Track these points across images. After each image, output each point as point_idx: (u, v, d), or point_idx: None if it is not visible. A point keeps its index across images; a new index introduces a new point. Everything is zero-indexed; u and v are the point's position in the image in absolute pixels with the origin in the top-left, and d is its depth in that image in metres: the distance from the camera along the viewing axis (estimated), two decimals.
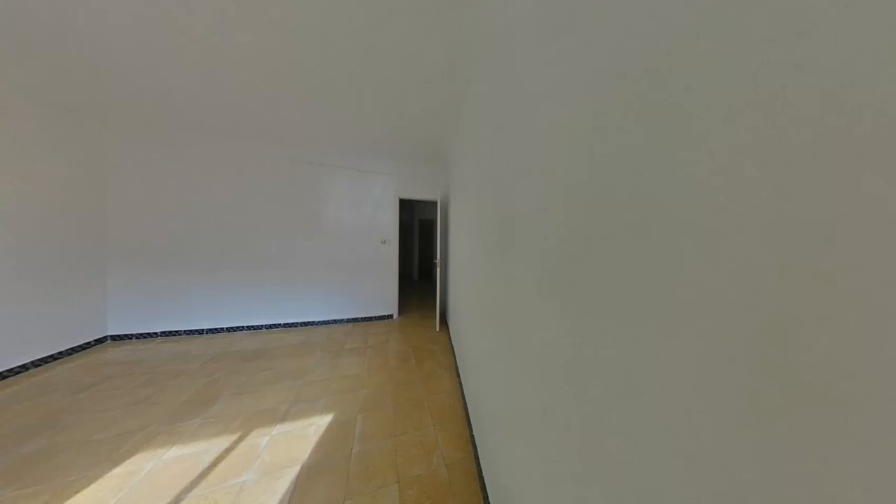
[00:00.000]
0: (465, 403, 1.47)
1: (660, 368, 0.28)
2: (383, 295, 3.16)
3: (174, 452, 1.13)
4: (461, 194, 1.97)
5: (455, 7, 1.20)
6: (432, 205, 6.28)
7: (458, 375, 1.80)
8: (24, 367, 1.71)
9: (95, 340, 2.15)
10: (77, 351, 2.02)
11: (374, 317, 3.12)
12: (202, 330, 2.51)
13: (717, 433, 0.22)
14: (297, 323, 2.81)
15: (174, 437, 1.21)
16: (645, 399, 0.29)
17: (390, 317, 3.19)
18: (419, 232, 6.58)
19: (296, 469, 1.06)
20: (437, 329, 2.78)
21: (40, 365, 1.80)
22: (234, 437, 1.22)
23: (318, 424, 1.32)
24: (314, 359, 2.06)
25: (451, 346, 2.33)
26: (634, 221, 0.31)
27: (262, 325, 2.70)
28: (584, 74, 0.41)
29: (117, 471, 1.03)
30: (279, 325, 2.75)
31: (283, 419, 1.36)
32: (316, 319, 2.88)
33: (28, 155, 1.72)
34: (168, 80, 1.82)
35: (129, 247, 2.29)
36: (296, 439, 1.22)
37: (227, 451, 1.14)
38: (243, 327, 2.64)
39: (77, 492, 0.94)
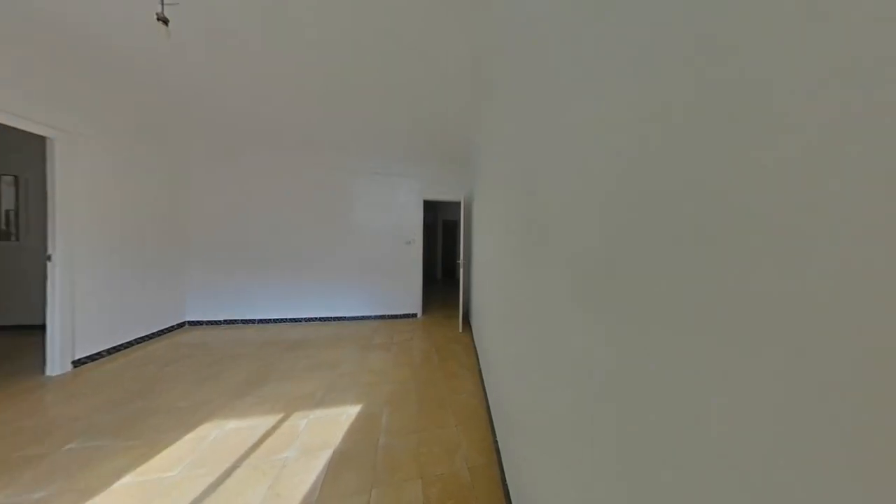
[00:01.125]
0: (488, 407, 1.45)
1: (732, 394, 0.23)
2: (408, 294, 3.26)
3: (233, 424, 1.31)
4: (485, 194, 1.94)
5: (479, 6, 1.19)
6: (456, 205, 6.30)
7: (481, 377, 1.77)
8: (129, 344, 2.15)
9: (177, 325, 2.60)
10: (165, 333, 2.46)
11: (399, 315, 3.24)
12: (255, 320, 2.87)
13: (805, 477, 0.18)
14: (330, 317, 3.05)
15: (233, 411, 1.41)
16: (710, 431, 0.25)
17: (414, 315, 3.28)
18: (442, 232, 6.65)
19: (329, 452, 1.15)
20: (460, 329, 2.78)
21: (141, 342, 2.24)
22: (278, 417, 1.37)
23: (348, 413, 1.42)
24: (345, 351, 2.22)
25: (475, 348, 2.30)
26: (694, 220, 0.27)
27: (301, 318, 2.98)
28: (627, 58, 0.38)
29: (191, 435, 1.23)
30: (316, 318, 3.01)
31: (319, 404, 1.48)
32: (347, 315, 3.09)
33: (134, 176, 2.16)
34: (227, 102, 2.12)
35: (202, 248, 2.72)
36: (330, 425, 1.32)
37: (273, 428, 1.29)
38: (287, 319, 2.94)
39: (164, 448, 1.15)
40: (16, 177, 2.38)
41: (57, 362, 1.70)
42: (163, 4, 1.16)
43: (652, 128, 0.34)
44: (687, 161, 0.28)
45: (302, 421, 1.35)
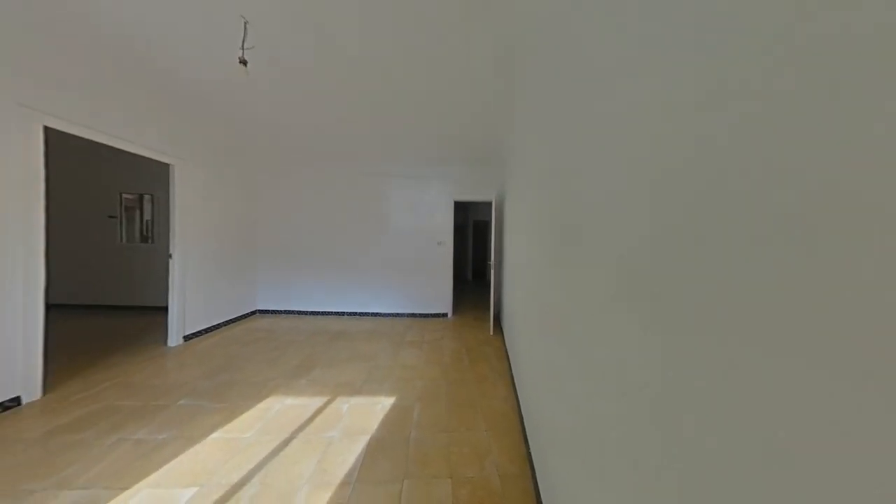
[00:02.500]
0: (520, 414, 1.39)
1: (827, 425, 0.19)
2: (439, 294, 3.33)
3: (290, 401, 1.52)
4: (517, 193, 1.87)
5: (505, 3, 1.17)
6: (486, 205, 6.19)
7: (513, 383, 1.71)
8: (218, 326, 2.67)
9: (250, 312, 3.14)
10: (241, 319, 2.99)
11: (430, 314, 3.33)
12: (306, 311, 3.28)
13: None
14: (367, 313, 3.30)
15: (291, 389, 1.64)
16: (796, 467, 0.21)
17: (445, 315, 3.33)
18: (473, 233, 6.61)
19: (367, 438, 1.25)
20: (491, 332, 2.72)
21: (226, 325, 2.76)
22: (325, 399, 1.55)
23: (383, 404, 1.52)
24: (380, 346, 2.37)
25: (506, 351, 2.24)
26: (780, 215, 0.22)
27: (343, 312, 3.30)
28: (683, 28, 0.33)
29: (261, 405, 1.47)
30: (355, 313, 3.30)
31: (358, 392, 1.62)
32: (382, 311, 3.31)
33: (223, 192, 2.68)
34: (284, 124, 2.47)
35: (267, 249, 3.23)
36: (367, 412, 1.44)
37: (321, 409, 1.46)
38: (331, 312, 3.29)
39: (242, 413, 1.40)
40: (152, 195, 3.19)
41: (174, 337, 2.21)
42: (243, 49, 1.43)
43: (706, 108, 0.29)
44: (763, 145, 0.24)
45: (344, 405, 1.49)
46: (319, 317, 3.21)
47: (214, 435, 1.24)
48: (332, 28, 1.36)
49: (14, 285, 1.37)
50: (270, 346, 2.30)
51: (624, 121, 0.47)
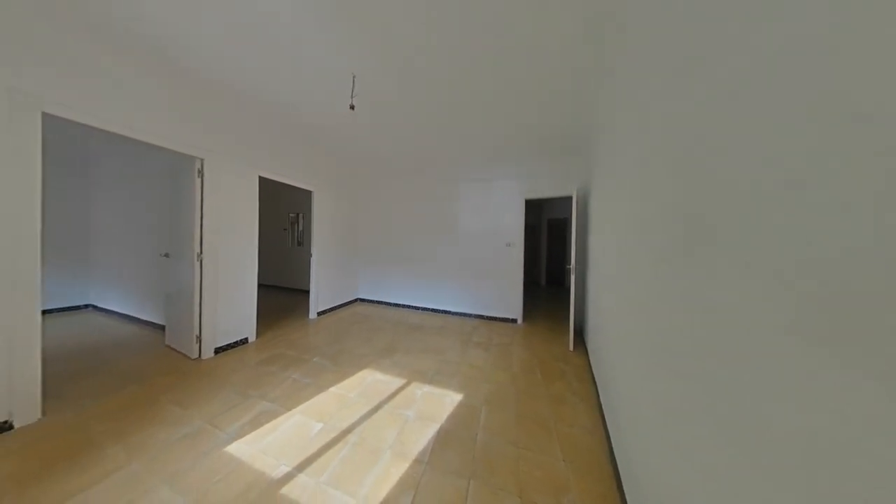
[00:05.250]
0: (612, 456, 1.13)
1: None
2: (507, 297, 3.19)
3: (379, 376, 1.84)
4: (609, 183, 1.55)
5: None
6: (563, 202, 5.41)
7: (602, 415, 1.41)
8: (335, 308, 3.57)
9: (354, 300, 4.03)
10: (348, 304, 3.88)
11: (498, 318, 3.23)
12: (392, 303, 3.88)
13: None
14: (438, 310, 3.56)
15: (380, 367, 1.99)
16: None
17: (514, 321, 3.15)
18: (548, 233, 5.92)
19: (436, 426, 1.35)
20: (571, 347, 2.36)
21: (340, 307, 3.67)
22: (403, 382, 1.78)
23: (451, 398, 1.60)
24: (449, 342, 2.51)
25: (591, 374, 1.88)
26: None
27: (419, 307, 3.69)
28: None
29: (360, 374, 1.87)
30: (429, 308, 3.63)
31: (430, 381, 1.78)
32: (451, 310, 3.48)
33: (339, 207, 3.59)
34: (372, 145, 2.99)
35: (365, 250, 4.04)
36: (437, 402, 1.56)
37: (399, 389, 1.69)
38: (410, 306, 3.75)
39: (348, 377, 1.82)
40: (300, 213, 4.65)
41: (312, 312, 3.13)
42: (352, 97, 1.86)
43: None
44: None
45: (418, 391, 1.67)
46: (401, 309, 3.73)
47: (332, 389, 1.68)
48: (409, 50, 1.55)
49: (246, 271, 2.33)
50: (366, 328, 2.88)
51: (792, 56, 0.30)
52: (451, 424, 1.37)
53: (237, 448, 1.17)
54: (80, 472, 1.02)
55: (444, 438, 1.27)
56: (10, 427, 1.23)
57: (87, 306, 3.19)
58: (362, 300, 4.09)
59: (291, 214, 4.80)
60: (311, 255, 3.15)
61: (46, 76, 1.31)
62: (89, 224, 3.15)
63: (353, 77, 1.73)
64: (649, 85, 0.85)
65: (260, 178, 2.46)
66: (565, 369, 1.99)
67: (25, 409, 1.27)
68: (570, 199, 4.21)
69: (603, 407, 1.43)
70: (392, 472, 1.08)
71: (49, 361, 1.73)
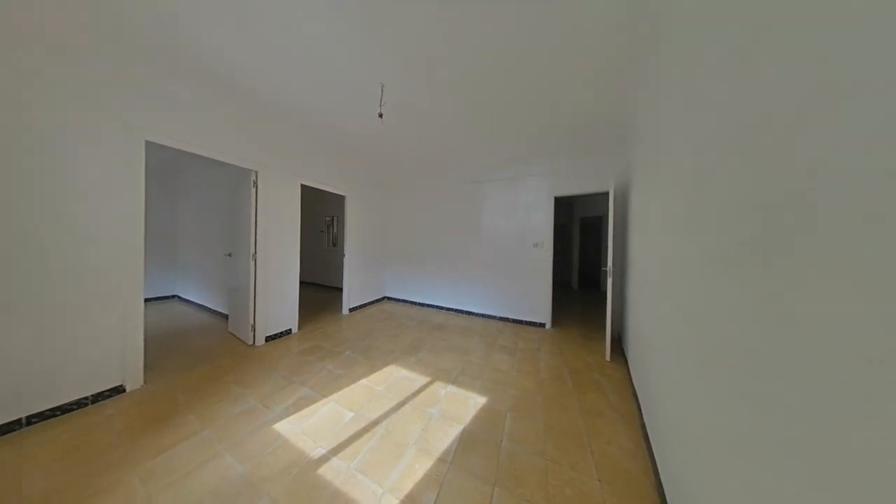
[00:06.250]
0: (660, 487, 1.01)
1: None
2: (534, 300, 3.05)
3: (403, 373, 1.91)
4: (654, 175, 1.40)
5: None
6: (597, 199, 4.99)
7: (646, 436, 1.27)
8: (364, 305, 3.79)
9: (382, 298, 4.23)
10: (376, 302, 4.08)
11: (524, 321, 3.11)
12: (417, 303, 3.99)
13: None
14: (462, 310, 3.55)
15: (405, 364, 2.06)
16: None
17: (542, 325, 3.00)
18: (580, 232, 5.51)
19: (460, 428, 1.35)
20: (607, 357, 2.17)
21: (369, 305, 3.88)
22: (427, 380, 1.82)
23: (475, 400, 1.59)
24: (473, 343, 2.49)
25: (633, 389, 1.71)
26: None
27: (443, 307, 3.73)
28: None
29: (387, 369, 1.96)
30: (452, 309, 3.64)
31: (453, 382, 1.79)
32: (475, 311, 3.45)
33: (369, 210, 3.81)
34: (399, 150, 3.09)
35: (392, 250, 4.21)
36: (461, 403, 1.56)
37: (423, 387, 1.73)
38: (434, 306, 3.81)
39: (376, 371, 1.92)
40: (335, 217, 5.05)
41: (345, 308, 3.37)
42: (381, 105, 1.97)
43: None
44: None
45: (442, 390, 1.69)
46: (426, 308, 3.82)
47: (362, 381, 1.79)
48: (435, 52, 1.58)
49: (290, 269, 2.60)
50: (393, 325, 3.00)
51: None
52: (474, 427, 1.36)
53: (282, 427, 1.32)
54: (170, 432, 1.25)
55: (467, 440, 1.27)
56: (123, 390, 1.56)
57: (173, 297, 3.87)
58: (389, 298, 4.27)
59: (327, 218, 5.23)
60: (343, 256, 3.40)
61: (148, 110, 1.64)
62: (176, 228, 3.84)
63: (382, 86, 1.82)
64: (705, 62, 0.74)
65: (301, 185, 2.72)
66: (601, 380, 1.83)
67: (133, 376, 1.59)
68: (605, 195, 3.87)
69: (647, 427, 1.29)
70: (416, 467, 1.11)
71: (146, 340, 2.15)
